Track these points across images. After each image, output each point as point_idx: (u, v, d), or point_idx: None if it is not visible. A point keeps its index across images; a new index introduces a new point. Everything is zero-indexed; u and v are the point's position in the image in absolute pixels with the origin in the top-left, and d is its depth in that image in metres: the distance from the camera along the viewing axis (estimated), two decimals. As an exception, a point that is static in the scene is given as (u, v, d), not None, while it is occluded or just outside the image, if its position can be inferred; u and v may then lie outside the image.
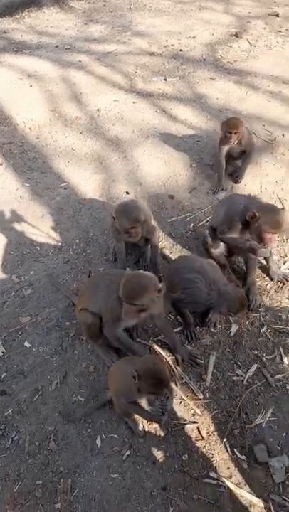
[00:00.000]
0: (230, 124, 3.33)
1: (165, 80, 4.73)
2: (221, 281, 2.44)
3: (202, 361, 2.49)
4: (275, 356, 2.50)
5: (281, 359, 2.48)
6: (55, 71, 5.03)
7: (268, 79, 4.63)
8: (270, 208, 2.59)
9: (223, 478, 2.05)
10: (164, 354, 2.53)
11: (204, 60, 5.04)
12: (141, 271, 2.36)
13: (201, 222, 3.32)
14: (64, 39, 5.75)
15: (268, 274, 2.94)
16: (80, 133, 4.16)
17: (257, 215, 2.48)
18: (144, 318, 2.32)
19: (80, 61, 5.17)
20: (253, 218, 2.50)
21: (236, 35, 5.43)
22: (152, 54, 5.19)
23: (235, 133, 3.32)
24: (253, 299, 2.75)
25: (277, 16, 5.82)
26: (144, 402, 2.19)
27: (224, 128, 3.36)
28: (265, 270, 2.96)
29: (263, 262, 2.94)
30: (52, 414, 2.35)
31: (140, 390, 1.96)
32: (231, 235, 2.69)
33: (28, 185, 3.67)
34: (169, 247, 3.18)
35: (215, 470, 2.10)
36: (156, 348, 2.56)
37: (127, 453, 2.18)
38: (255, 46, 5.24)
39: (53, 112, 4.44)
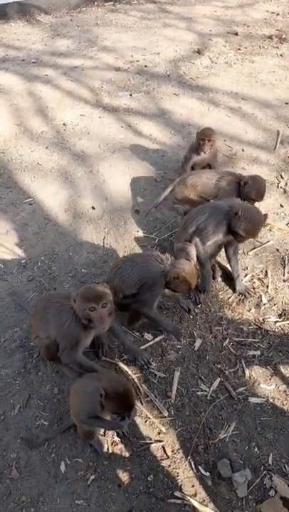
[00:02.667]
0: (206, 132, 3.42)
1: (130, 95, 4.79)
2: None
3: (152, 363, 2.53)
4: (238, 369, 2.53)
5: (243, 371, 2.52)
6: (21, 85, 5.00)
7: (229, 95, 4.78)
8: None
9: (188, 497, 2.05)
10: (130, 372, 2.51)
11: (168, 76, 5.16)
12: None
13: (165, 236, 3.36)
14: (31, 53, 5.74)
15: (230, 286, 3.00)
16: (46, 147, 4.13)
17: (239, 213, 2.68)
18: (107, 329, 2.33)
19: (46, 75, 5.17)
20: (236, 215, 2.68)
21: (198, 52, 5.59)
22: (118, 69, 5.26)
23: (209, 141, 3.39)
24: (244, 289, 2.96)
25: (237, 34, 6.05)
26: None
27: (199, 136, 3.43)
28: (227, 283, 3.02)
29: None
30: (14, 440, 2.27)
31: (104, 407, 1.94)
32: (214, 237, 2.80)
33: (-9, 201, 3.60)
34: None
35: (180, 489, 2.09)
36: (122, 366, 2.55)
37: (92, 477, 2.14)
38: (216, 63, 5.41)
39: (19, 126, 4.40)
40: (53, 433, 2.26)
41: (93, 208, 3.57)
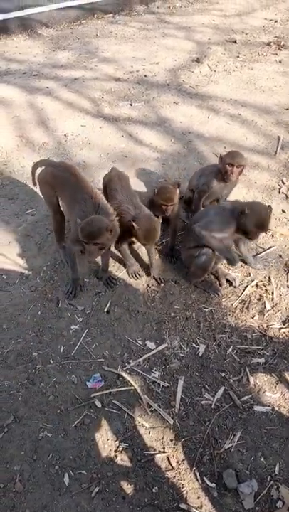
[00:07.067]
0: (235, 157, 2.99)
1: (131, 104, 4.84)
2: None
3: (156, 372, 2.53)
4: (242, 377, 2.50)
5: (247, 379, 2.49)
6: (22, 97, 5.08)
7: (228, 102, 4.81)
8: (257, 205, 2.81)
9: (194, 509, 2.01)
10: (132, 382, 2.50)
11: (168, 85, 5.21)
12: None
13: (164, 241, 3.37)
14: (32, 66, 5.84)
15: (233, 293, 2.98)
16: (48, 158, 4.17)
17: (246, 211, 2.67)
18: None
19: (47, 87, 5.25)
20: (242, 213, 2.69)
21: (198, 60, 5.65)
22: (118, 80, 5.33)
23: (238, 166, 3.00)
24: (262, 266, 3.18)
25: (235, 42, 6.11)
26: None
27: (228, 160, 2.99)
28: (230, 290, 3.00)
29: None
30: (18, 452, 2.26)
31: None
32: (221, 234, 2.79)
33: (-6, 212, 3.63)
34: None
35: (185, 501, 2.05)
36: (125, 375, 2.53)
37: (96, 489, 2.11)
38: (215, 71, 5.46)
39: (21, 137, 4.46)
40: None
41: (95, 217, 3.58)
